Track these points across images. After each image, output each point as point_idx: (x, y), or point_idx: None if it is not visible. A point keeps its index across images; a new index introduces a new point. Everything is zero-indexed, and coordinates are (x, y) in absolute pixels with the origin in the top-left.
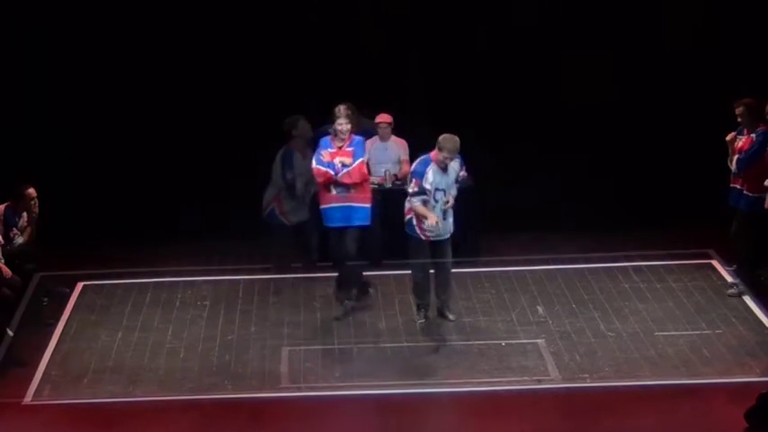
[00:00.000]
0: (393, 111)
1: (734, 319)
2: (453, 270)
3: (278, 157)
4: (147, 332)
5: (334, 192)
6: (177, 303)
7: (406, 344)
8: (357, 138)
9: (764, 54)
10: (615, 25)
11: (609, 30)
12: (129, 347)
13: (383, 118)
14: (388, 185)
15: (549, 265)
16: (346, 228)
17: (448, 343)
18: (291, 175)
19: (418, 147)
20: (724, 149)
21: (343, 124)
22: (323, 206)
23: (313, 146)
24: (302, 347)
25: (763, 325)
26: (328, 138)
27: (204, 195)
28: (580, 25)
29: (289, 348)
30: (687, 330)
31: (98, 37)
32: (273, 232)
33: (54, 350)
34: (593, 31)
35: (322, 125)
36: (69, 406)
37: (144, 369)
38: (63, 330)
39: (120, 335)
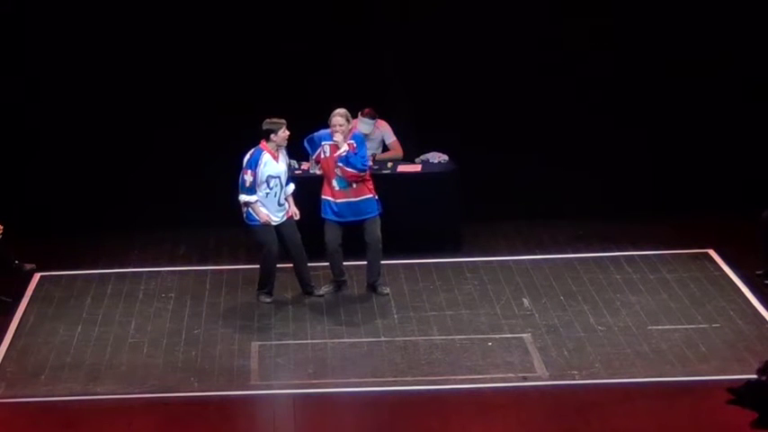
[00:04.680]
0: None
1: (732, 313)
2: (435, 260)
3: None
4: (109, 326)
5: (336, 187)
6: (140, 295)
7: (383, 338)
8: (357, 134)
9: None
10: (612, 17)
11: (606, 20)
12: (90, 342)
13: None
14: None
15: (535, 254)
16: (360, 222)
17: (428, 338)
18: (252, 175)
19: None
20: (721, 136)
21: (337, 132)
22: (327, 198)
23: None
24: (273, 342)
25: (763, 318)
26: (328, 131)
27: (170, 181)
28: (576, 18)
29: (259, 343)
30: (682, 324)
31: (57, 22)
32: (256, 233)
33: (9, 345)
34: (583, 21)
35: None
36: (25, 404)
37: (105, 365)
38: (19, 324)
39: (79, 329)
